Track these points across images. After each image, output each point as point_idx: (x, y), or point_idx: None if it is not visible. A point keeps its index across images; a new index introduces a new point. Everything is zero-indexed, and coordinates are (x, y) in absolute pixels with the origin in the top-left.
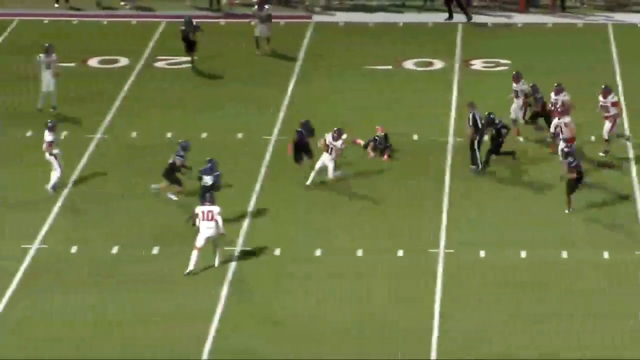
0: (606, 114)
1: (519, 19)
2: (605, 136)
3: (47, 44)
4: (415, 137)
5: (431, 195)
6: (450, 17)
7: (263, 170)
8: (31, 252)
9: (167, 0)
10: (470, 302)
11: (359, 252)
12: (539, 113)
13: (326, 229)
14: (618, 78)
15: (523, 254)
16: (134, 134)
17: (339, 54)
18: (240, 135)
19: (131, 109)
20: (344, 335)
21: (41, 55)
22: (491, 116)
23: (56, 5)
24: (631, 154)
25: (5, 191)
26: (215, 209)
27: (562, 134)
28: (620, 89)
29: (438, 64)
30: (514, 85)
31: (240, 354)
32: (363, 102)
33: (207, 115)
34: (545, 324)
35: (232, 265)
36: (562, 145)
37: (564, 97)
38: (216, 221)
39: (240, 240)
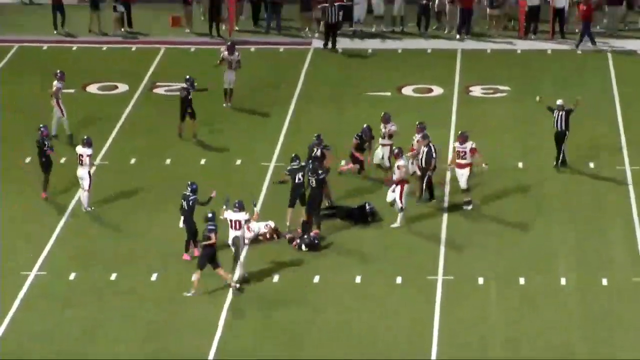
0: (462, 161)
1: (519, 45)
2: (464, 186)
3: (57, 71)
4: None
5: (430, 221)
6: (326, 45)
7: (262, 196)
8: (30, 279)
9: (166, 27)
10: (468, 328)
11: (358, 279)
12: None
13: (324, 252)
14: (617, 105)
15: (522, 281)
16: (133, 160)
17: (338, 81)
18: (239, 161)
19: (130, 135)
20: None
21: (55, 82)
22: (315, 165)
23: (55, 32)
24: (630, 179)
25: (5, 217)
26: (243, 216)
27: (394, 175)
28: (619, 115)
29: (437, 90)
30: (383, 126)
31: None
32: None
33: (206, 141)
34: (544, 351)
35: (230, 291)
36: (391, 189)
37: (391, 127)
38: (243, 229)
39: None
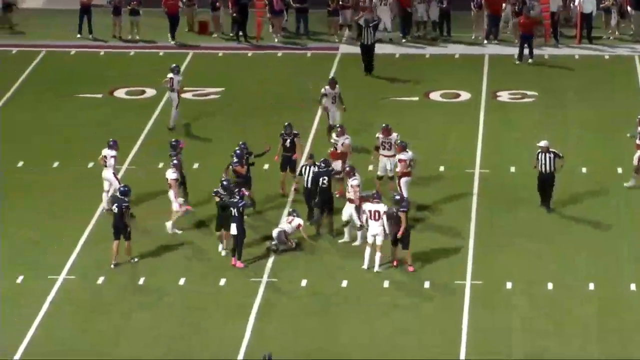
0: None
1: (546, 50)
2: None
3: (173, 65)
4: (442, 168)
5: (457, 225)
6: (367, 69)
7: (288, 203)
8: (58, 283)
9: (194, 32)
10: (497, 334)
11: (386, 284)
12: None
13: (346, 261)
14: None
15: (550, 286)
16: (160, 165)
17: (365, 85)
18: (266, 166)
19: (158, 139)
20: None
21: (172, 75)
22: (224, 183)
23: (78, 35)
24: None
25: (33, 221)
26: (382, 207)
27: None
28: None
29: (465, 96)
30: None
31: None
32: None
33: (231, 146)
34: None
35: (258, 297)
36: None
37: (345, 140)
38: (382, 220)
39: (266, 273)
